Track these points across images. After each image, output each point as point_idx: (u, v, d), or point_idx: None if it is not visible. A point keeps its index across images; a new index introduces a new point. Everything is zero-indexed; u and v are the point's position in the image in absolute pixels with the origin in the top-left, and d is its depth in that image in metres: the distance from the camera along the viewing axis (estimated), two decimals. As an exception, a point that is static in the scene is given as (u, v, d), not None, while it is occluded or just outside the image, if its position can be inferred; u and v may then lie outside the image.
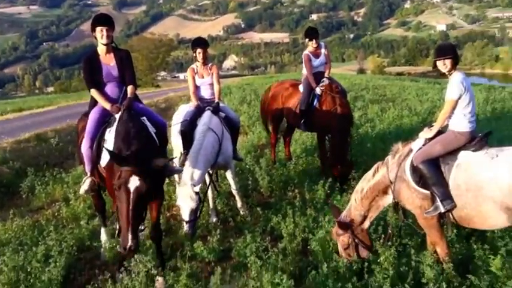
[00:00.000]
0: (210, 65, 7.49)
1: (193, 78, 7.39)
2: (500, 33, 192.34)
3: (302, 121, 8.56)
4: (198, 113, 7.08)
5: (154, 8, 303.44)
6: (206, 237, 6.19)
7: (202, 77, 7.39)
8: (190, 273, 5.17)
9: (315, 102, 8.35)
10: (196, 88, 7.42)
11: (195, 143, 6.55)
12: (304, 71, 8.73)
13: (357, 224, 5.32)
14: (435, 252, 4.95)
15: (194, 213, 6.02)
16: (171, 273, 5.14)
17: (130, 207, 4.39)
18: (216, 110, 7.09)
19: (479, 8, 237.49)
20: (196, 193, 5.99)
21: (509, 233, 5.12)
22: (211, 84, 7.42)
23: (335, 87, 8.39)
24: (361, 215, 5.31)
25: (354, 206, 5.35)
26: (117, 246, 4.98)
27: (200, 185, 6.20)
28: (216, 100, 7.31)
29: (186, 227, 6.05)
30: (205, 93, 7.44)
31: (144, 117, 5.60)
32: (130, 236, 4.33)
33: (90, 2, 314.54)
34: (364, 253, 5.32)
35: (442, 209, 4.64)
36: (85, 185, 5.75)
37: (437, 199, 4.67)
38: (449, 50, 4.87)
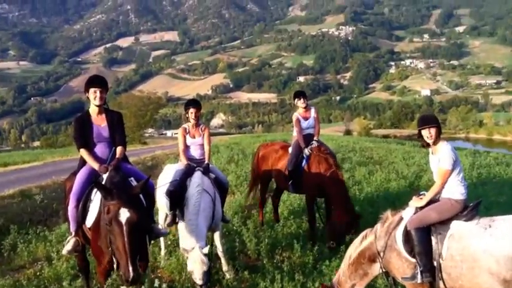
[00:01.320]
0: (202, 126, 7.54)
1: (184, 137, 7.41)
2: (484, 99, 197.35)
3: (290, 182, 8.54)
4: (188, 173, 7.05)
5: (144, 66, 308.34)
6: (191, 302, 6.02)
7: (194, 137, 7.42)
8: None
9: (303, 163, 8.37)
10: (187, 148, 7.43)
11: (192, 204, 6.52)
12: (295, 133, 8.80)
13: None
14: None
15: (206, 275, 5.99)
16: None
17: (126, 240, 4.36)
18: (206, 171, 7.08)
19: (462, 74, 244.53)
20: (205, 255, 5.97)
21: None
22: (202, 145, 7.44)
23: (324, 150, 8.46)
24: (348, 282, 5.23)
25: (342, 271, 5.29)
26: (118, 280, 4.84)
27: (208, 246, 6.18)
28: (206, 161, 7.31)
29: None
30: (195, 153, 7.45)
31: (132, 178, 5.59)
32: (130, 268, 4.31)
33: (80, 59, 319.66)
34: None
35: (419, 280, 4.63)
36: (68, 245, 5.65)
37: (418, 268, 4.64)
38: (433, 119, 4.98)
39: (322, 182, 8.09)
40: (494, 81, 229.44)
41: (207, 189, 6.81)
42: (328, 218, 8.21)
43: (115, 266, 4.70)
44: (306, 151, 8.37)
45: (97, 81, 5.72)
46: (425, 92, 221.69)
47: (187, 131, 7.44)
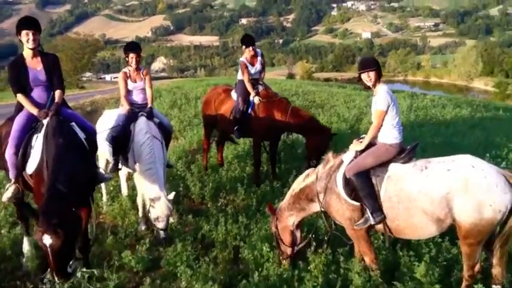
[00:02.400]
0: (143, 69, 7.32)
1: (125, 81, 7.18)
2: (422, 42, 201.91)
3: (236, 128, 8.52)
4: (131, 118, 6.89)
5: (79, 7, 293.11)
6: (135, 246, 6.03)
7: (135, 82, 7.20)
8: (118, 283, 5.03)
9: (250, 110, 8.35)
10: (128, 92, 7.23)
11: (147, 153, 6.51)
12: (239, 77, 8.70)
13: (283, 221, 5.41)
14: (363, 259, 5.07)
15: (168, 219, 6.21)
16: (97, 284, 4.97)
17: (51, 259, 4.37)
18: (150, 116, 6.95)
19: (402, 17, 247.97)
20: (170, 201, 6.14)
21: (433, 241, 5.32)
22: (144, 89, 7.24)
23: (271, 93, 8.47)
24: (287, 211, 5.41)
25: (285, 200, 5.45)
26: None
27: (174, 193, 6.38)
28: (149, 105, 7.15)
29: (163, 234, 6.12)
30: (137, 97, 7.24)
31: (73, 123, 5.42)
32: (56, 278, 4.42)
33: (11, 0, 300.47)
34: (286, 250, 5.40)
35: (372, 221, 4.76)
36: (8, 192, 5.49)
37: (368, 211, 4.78)
38: (372, 63, 5.01)
39: (274, 125, 8.17)
40: (433, 23, 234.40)
41: (155, 135, 6.73)
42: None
43: None
44: (256, 99, 8.34)
45: (28, 23, 5.41)
46: (366, 35, 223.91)
47: (128, 75, 7.20)
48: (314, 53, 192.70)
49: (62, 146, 4.83)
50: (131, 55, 7.10)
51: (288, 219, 5.43)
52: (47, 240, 4.30)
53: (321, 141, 7.83)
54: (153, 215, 6.18)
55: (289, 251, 5.45)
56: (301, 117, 8.15)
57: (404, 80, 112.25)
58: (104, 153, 7.32)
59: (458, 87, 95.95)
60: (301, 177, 5.41)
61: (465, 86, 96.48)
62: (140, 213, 6.95)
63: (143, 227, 6.81)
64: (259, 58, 8.77)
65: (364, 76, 4.95)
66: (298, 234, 5.48)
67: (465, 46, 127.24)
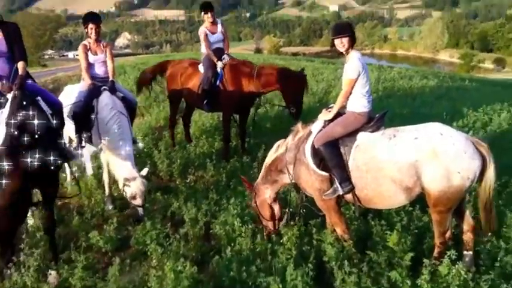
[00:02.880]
0: (103, 42, 7.06)
1: (86, 54, 6.89)
2: (389, 14, 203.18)
3: (205, 102, 8.34)
4: (93, 92, 6.64)
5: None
6: (102, 226, 5.88)
7: (96, 54, 6.93)
8: (86, 265, 4.88)
9: (218, 82, 8.18)
10: (89, 65, 6.95)
11: (115, 129, 6.35)
12: (203, 50, 8.51)
13: (260, 195, 5.38)
14: (334, 230, 5.04)
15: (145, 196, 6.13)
16: (65, 266, 4.83)
17: None
18: (113, 90, 6.71)
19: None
20: (145, 178, 6.07)
21: (405, 209, 5.33)
22: (105, 62, 6.99)
23: (237, 61, 8.33)
24: (262, 183, 5.38)
25: (260, 176, 5.38)
26: None
27: (147, 169, 6.32)
28: (111, 78, 6.91)
29: (141, 211, 6.03)
30: (99, 71, 6.98)
31: (39, 97, 5.15)
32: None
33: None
34: (267, 224, 5.38)
35: (341, 191, 4.72)
36: None
37: (336, 181, 4.73)
38: (346, 28, 4.88)
39: (244, 96, 8.06)
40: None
41: (121, 110, 6.53)
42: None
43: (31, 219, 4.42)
44: (220, 64, 8.17)
45: None
46: (334, 8, 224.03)
47: (89, 47, 6.93)
48: (281, 27, 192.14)
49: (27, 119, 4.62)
50: (90, 26, 6.81)
51: (264, 193, 5.37)
52: None
53: (297, 84, 7.73)
54: (128, 193, 6.05)
55: (270, 225, 5.39)
56: (270, 71, 8.00)
57: (371, 53, 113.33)
58: (67, 131, 7.07)
59: (424, 59, 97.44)
60: (272, 149, 5.33)
61: (431, 58, 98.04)
62: (106, 192, 6.78)
63: (110, 207, 6.64)
64: (219, 26, 8.60)
65: (337, 42, 4.82)
66: (276, 207, 5.41)
67: (431, 18, 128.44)
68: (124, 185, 6.05)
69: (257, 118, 10.14)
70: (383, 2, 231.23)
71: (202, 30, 8.47)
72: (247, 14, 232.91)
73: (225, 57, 8.29)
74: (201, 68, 8.52)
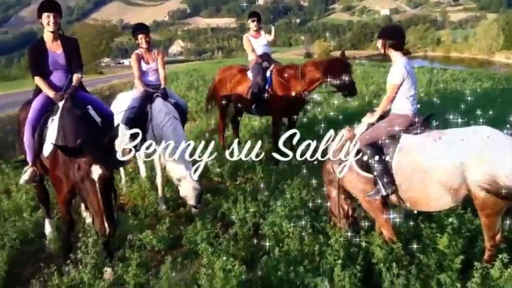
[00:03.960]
0: (155, 50, 7.32)
1: (139, 63, 7.18)
2: (442, 17, 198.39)
3: (254, 106, 8.47)
4: (146, 99, 6.89)
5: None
6: (155, 226, 6.06)
7: (148, 63, 7.21)
8: (140, 262, 5.03)
9: (267, 86, 8.31)
10: (142, 74, 7.22)
11: (170, 133, 6.50)
12: (250, 56, 8.67)
13: (329, 193, 5.48)
14: (381, 233, 5.02)
15: (200, 196, 6.31)
16: (119, 264, 4.98)
17: (99, 197, 4.24)
18: (165, 96, 6.94)
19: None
20: (196, 181, 6.16)
21: (455, 212, 5.24)
22: (157, 70, 7.24)
23: (285, 67, 8.41)
24: (329, 186, 5.48)
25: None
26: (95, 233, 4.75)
27: (198, 171, 6.20)
28: (163, 85, 7.14)
29: (195, 210, 6.44)
30: (151, 78, 7.26)
31: (89, 106, 5.41)
32: (106, 225, 4.23)
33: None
34: (339, 223, 5.38)
35: (384, 192, 4.71)
36: (25, 175, 5.55)
37: (379, 182, 4.73)
38: (382, 31, 4.97)
39: (292, 100, 8.13)
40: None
41: (174, 115, 6.75)
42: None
43: (89, 218, 4.56)
44: (265, 63, 8.39)
45: (50, 6, 5.40)
46: (385, 12, 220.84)
47: (141, 56, 7.20)
48: (332, 31, 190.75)
49: (79, 123, 4.80)
50: (140, 36, 7.09)
51: (331, 192, 5.42)
52: (96, 171, 4.23)
53: (339, 66, 7.83)
54: (181, 193, 6.29)
55: (342, 223, 5.39)
56: (312, 67, 8.07)
57: (424, 55, 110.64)
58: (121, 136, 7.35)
59: (479, 61, 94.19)
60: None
61: (486, 60, 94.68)
62: (160, 193, 6.98)
63: (163, 207, 6.84)
64: (262, 32, 8.79)
65: (378, 43, 4.93)
66: (345, 206, 5.39)
67: (486, 20, 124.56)
68: (177, 185, 6.26)
69: (306, 121, 10.20)
70: (435, 5, 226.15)
71: (245, 36, 8.75)
72: (298, 20, 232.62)
73: (272, 64, 8.49)
74: (249, 74, 8.67)
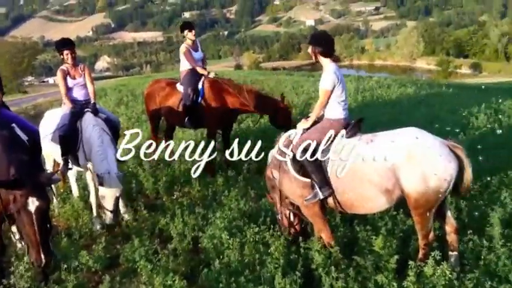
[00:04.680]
0: (81, 65, 7.12)
1: (65, 79, 6.96)
2: (364, 26, 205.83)
3: (187, 119, 8.40)
4: (76, 115, 6.72)
5: (15, 10, 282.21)
6: (91, 246, 5.88)
7: (74, 78, 7.00)
8: (77, 284, 4.91)
9: (200, 99, 8.26)
10: (69, 90, 7.01)
11: (96, 138, 6.41)
12: (182, 67, 8.57)
13: (275, 203, 5.52)
14: (321, 237, 5.12)
15: (117, 201, 6.18)
16: (55, 287, 4.84)
17: (36, 229, 4.17)
18: (95, 111, 6.77)
19: (343, 3, 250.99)
20: (119, 178, 6.12)
21: (388, 214, 5.43)
22: (84, 85, 7.05)
23: (220, 81, 8.41)
24: (272, 194, 5.52)
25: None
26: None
27: (122, 173, 6.38)
28: (92, 101, 6.97)
29: (110, 215, 6.10)
30: (79, 94, 7.05)
31: (14, 124, 5.20)
32: (43, 256, 4.19)
33: None
34: (286, 232, 5.43)
35: (321, 196, 4.81)
36: None
37: (316, 186, 4.83)
38: (311, 38, 5.10)
39: (227, 111, 8.19)
40: (373, 7, 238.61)
41: (104, 128, 6.61)
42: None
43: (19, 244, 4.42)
44: (212, 74, 8.38)
45: None
46: (310, 22, 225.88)
47: (67, 72, 6.99)
48: (260, 43, 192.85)
49: (7, 144, 4.66)
50: (66, 52, 6.88)
51: (274, 198, 5.47)
52: (33, 203, 4.15)
53: (283, 119, 8.04)
54: (100, 193, 6.14)
55: (291, 231, 5.44)
56: (254, 94, 8.18)
57: (350, 64, 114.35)
58: (51, 155, 7.10)
59: (402, 68, 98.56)
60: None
61: (409, 67, 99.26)
62: (94, 213, 6.78)
63: (98, 227, 6.65)
64: (198, 44, 8.72)
65: (309, 50, 5.05)
66: (287, 212, 5.44)
67: (406, 28, 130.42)
68: (98, 183, 6.11)
69: (240, 132, 10.26)
70: (357, 14, 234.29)
71: (184, 47, 8.55)
72: (225, 33, 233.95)
73: (212, 74, 8.43)
74: (179, 87, 8.57)
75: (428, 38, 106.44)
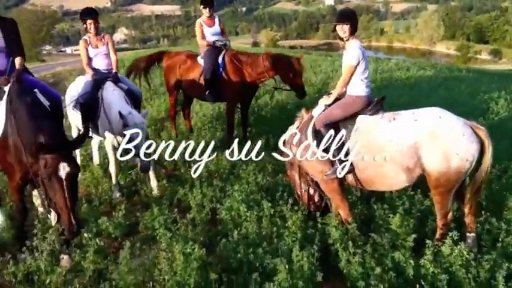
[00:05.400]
0: (103, 34, 7.17)
1: (86, 49, 7.03)
2: (384, 8, 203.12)
3: (207, 92, 8.42)
4: (97, 83, 6.78)
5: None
6: (110, 213, 5.97)
7: (97, 47, 7.05)
8: (97, 249, 4.98)
9: (220, 70, 8.28)
10: (90, 60, 7.07)
11: (115, 101, 6.44)
12: (200, 43, 8.59)
13: (292, 179, 5.62)
14: (339, 214, 5.17)
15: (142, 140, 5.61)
16: (77, 250, 4.93)
17: (67, 195, 4.18)
18: (116, 80, 6.83)
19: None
20: (143, 117, 6.12)
21: (406, 194, 5.45)
22: (107, 54, 7.10)
23: (240, 53, 8.42)
24: (291, 172, 5.60)
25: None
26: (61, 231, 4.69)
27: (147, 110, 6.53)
28: (114, 70, 7.02)
29: (143, 160, 5.77)
30: (101, 63, 7.10)
31: (36, 90, 5.25)
32: (74, 222, 4.18)
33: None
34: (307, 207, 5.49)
35: (341, 173, 4.82)
36: None
37: (337, 162, 4.85)
38: (348, 16, 5.01)
39: (247, 85, 8.21)
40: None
41: (125, 96, 6.68)
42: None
43: (54, 217, 4.47)
44: (219, 43, 8.37)
45: None
46: (329, 2, 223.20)
47: (89, 42, 7.03)
48: (278, 20, 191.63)
49: (31, 109, 4.69)
50: (89, 21, 6.93)
51: (293, 176, 5.52)
52: (65, 169, 4.16)
53: (291, 68, 7.96)
54: (127, 135, 5.56)
55: (311, 207, 5.50)
56: (265, 60, 8.12)
57: (368, 45, 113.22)
58: (75, 122, 7.19)
59: (421, 51, 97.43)
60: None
61: (428, 50, 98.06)
62: (113, 181, 6.87)
63: (118, 194, 6.74)
64: (216, 20, 8.70)
65: (338, 28, 4.95)
66: (305, 188, 5.49)
67: (427, 11, 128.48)
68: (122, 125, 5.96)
69: (258, 108, 10.28)
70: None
71: (198, 22, 8.60)
72: (244, 9, 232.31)
73: (227, 43, 8.46)
74: (200, 60, 8.58)
75: (449, 22, 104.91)
